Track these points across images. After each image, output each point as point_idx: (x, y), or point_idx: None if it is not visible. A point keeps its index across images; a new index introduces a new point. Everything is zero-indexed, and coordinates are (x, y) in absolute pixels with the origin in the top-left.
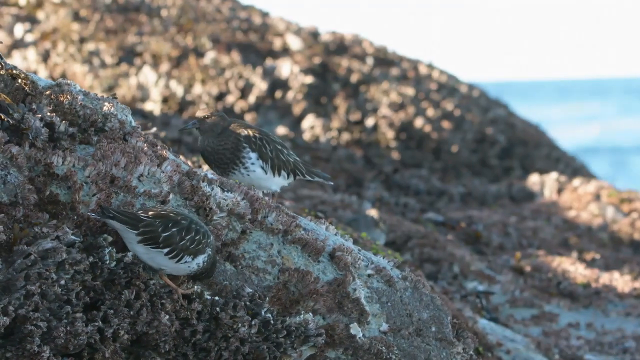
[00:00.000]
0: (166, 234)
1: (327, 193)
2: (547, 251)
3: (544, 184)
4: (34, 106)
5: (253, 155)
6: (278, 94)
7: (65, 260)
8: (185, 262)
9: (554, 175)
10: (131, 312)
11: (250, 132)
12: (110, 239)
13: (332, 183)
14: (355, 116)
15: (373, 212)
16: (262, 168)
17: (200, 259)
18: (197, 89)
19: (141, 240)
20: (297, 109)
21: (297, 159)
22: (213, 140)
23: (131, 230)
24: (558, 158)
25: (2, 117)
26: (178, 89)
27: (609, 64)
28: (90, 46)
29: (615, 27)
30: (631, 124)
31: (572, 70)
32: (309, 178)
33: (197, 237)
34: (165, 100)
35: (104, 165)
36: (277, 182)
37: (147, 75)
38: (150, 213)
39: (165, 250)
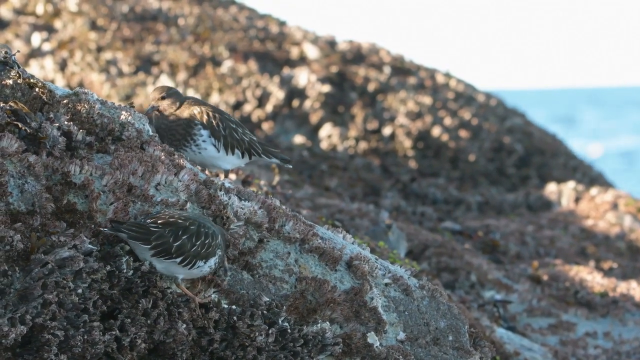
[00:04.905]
0: (177, 243)
1: (345, 202)
2: (564, 260)
3: (561, 193)
4: (51, 115)
5: (205, 132)
6: (295, 102)
7: (82, 269)
8: (198, 267)
9: (571, 184)
10: (148, 321)
11: (204, 109)
12: (127, 247)
13: (290, 166)
14: (372, 125)
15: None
16: (214, 146)
17: (212, 262)
18: (215, 97)
19: (154, 253)
20: (314, 118)
21: (254, 138)
22: (167, 117)
23: (143, 245)
24: (575, 167)
25: (20, 126)
26: None
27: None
28: (107, 55)
29: None
30: None
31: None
32: (265, 158)
33: (207, 241)
34: None
35: (121, 174)
36: (231, 160)
37: (164, 84)
38: (159, 222)
39: (179, 259)
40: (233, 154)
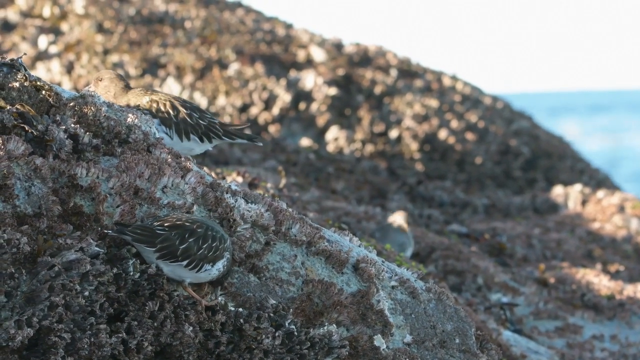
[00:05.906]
0: (184, 246)
1: (351, 205)
2: (571, 263)
3: (568, 195)
4: (58, 118)
5: (154, 121)
6: (302, 105)
7: (89, 271)
8: (206, 270)
9: (578, 187)
10: (155, 324)
11: (154, 98)
12: (134, 250)
13: (260, 144)
14: (379, 128)
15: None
16: (167, 134)
17: (220, 264)
18: (221, 100)
19: (159, 256)
20: (320, 121)
21: (215, 121)
22: None
23: (148, 248)
24: (582, 170)
25: (27, 128)
26: (202, 101)
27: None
28: (114, 58)
29: None
30: None
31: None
32: (228, 140)
33: (214, 244)
34: None
35: (128, 176)
36: (189, 147)
37: (171, 86)
38: (166, 224)
39: (185, 262)
40: (189, 139)
